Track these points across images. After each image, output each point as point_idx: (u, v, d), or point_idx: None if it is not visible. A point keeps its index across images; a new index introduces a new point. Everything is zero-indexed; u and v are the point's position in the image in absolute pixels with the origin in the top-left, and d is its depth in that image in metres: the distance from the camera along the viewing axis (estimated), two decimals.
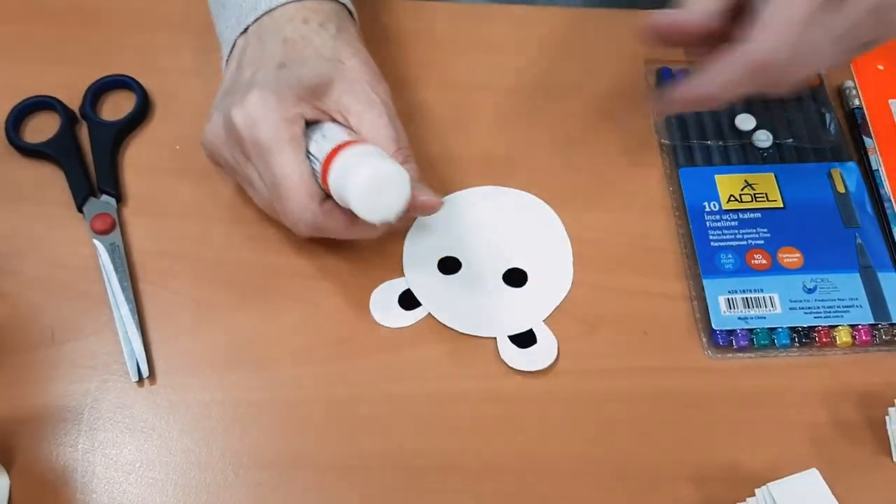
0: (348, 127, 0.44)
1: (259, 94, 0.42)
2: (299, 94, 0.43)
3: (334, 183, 0.41)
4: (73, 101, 0.52)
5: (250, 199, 0.49)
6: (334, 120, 0.44)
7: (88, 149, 0.51)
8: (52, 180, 0.50)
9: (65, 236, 0.48)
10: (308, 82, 0.43)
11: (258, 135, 0.42)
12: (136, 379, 0.44)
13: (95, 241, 0.48)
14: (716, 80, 0.40)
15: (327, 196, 0.43)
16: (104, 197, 0.49)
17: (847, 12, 0.39)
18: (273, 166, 0.42)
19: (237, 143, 0.43)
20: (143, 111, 0.52)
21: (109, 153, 0.51)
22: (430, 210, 0.44)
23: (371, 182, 0.40)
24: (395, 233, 0.48)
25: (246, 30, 0.46)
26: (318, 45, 0.45)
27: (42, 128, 0.51)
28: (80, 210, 0.49)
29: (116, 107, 0.53)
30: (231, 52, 0.47)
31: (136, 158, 0.51)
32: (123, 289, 0.46)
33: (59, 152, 0.50)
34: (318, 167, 0.42)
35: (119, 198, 0.49)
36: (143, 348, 0.45)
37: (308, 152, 0.43)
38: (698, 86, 0.41)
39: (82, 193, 0.49)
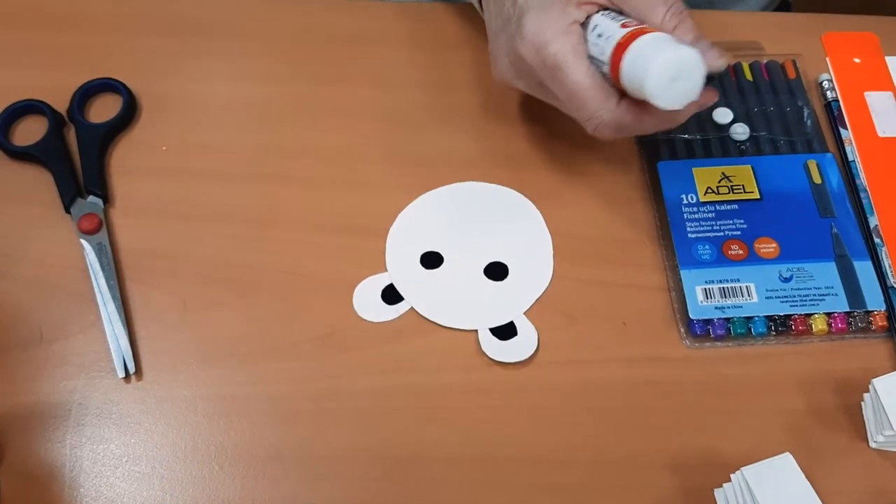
0: (615, 9, 0.44)
1: (532, 19, 0.43)
2: (563, 1, 0.43)
3: (628, 79, 0.41)
4: (61, 105, 0.53)
5: (234, 200, 0.50)
6: (602, 7, 0.44)
7: (76, 151, 0.52)
8: (39, 182, 0.51)
9: (52, 236, 0.49)
10: None
11: (544, 58, 0.42)
12: (123, 375, 0.45)
13: (83, 241, 0.48)
14: None
15: (622, 94, 0.43)
16: (91, 198, 0.50)
17: None
18: (565, 82, 0.43)
19: (528, 74, 0.45)
20: (129, 113, 0.53)
21: (97, 155, 0.51)
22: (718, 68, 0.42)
23: (665, 72, 0.39)
24: (379, 228, 0.49)
25: None
26: None
27: (30, 131, 0.52)
28: (67, 211, 0.50)
29: (103, 109, 0.53)
30: None
31: (123, 160, 0.52)
32: (110, 287, 0.47)
33: (46, 154, 0.51)
34: (605, 69, 0.42)
35: (106, 198, 0.50)
36: (129, 345, 0.45)
37: (590, 56, 0.43)
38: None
39: (70, 194, 0.50)
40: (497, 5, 0.46)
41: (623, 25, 0.42)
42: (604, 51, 0.42)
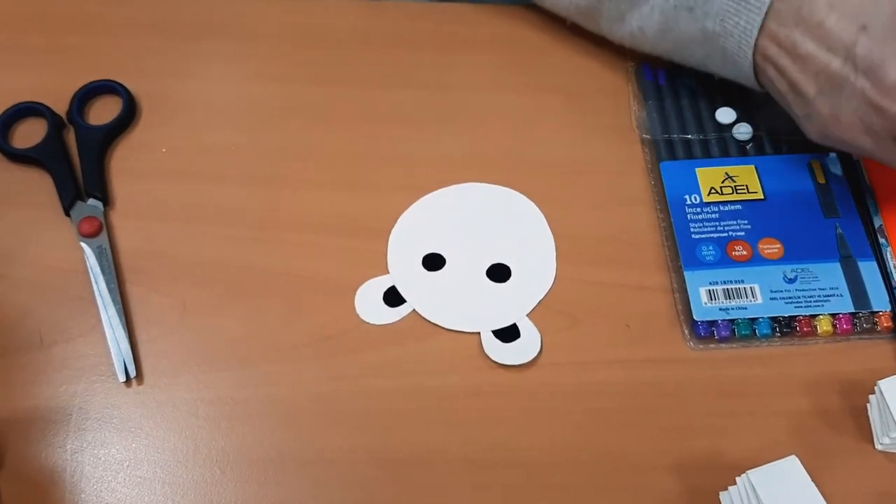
0: None
1: (890, 66, 0.41)
2: None
3: None
4: (61, 107, 0.53)
5: (235, 202, 0.50)
6: None
7: (76, 153, 0.52)
8: (39, 185, 0.50)
9: (52, 239, 0.49)
10: None
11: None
12: (124, 379, 0.44)
13: (83, 244, 0.48)
14: None
15: None
16: (91, 200, 0.50)
17: None
18: None
19: (886, 126, 0.42)
20: (129, 115, 0.53)
21: (96, 157, 0.51)
22: None
23: None
24: (380, 230, 0.49)
25: None
26: None
27: (30, 133, 0.52)
28: (67, 214, 0.49)
29: (103, 111, 0.53)
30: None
31: (123, 162, 0.52)
32: (110, 290, 0.47)
33: (46, 157, 0.51)
34: None
35: (106, 201, 0.50)
36: (130, 349, 0.45)
37: None
38: None
39: (69, 197, 0.50)
40: (808, 66, 0.44)
41: None
42: None
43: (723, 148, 0.51)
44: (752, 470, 0.39)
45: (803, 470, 0.39)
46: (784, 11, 0.44)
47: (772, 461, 0.39)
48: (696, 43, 0.48)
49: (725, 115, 0.52)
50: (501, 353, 0.45)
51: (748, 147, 0.52)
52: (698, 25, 0.47)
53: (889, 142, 0.43)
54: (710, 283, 0.46)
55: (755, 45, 0.45)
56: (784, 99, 0.47)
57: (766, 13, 0.45)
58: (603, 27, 0.52)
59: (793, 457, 0.39)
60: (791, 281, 0.47)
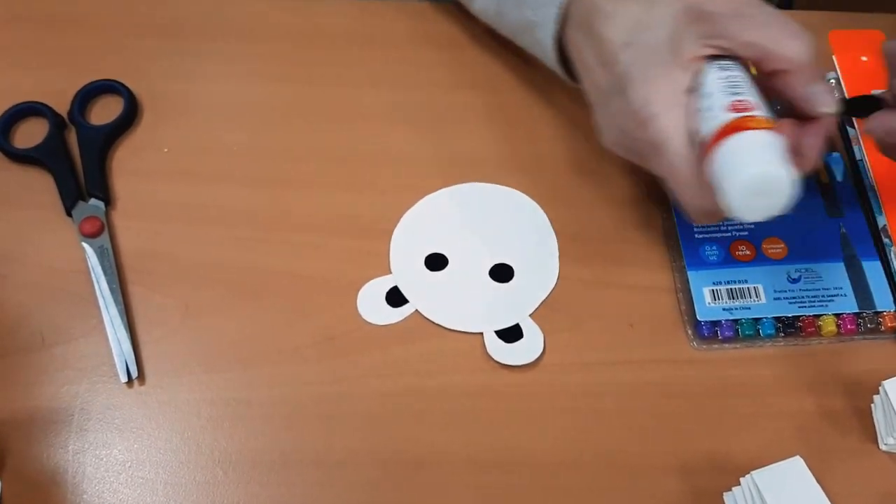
0: (731, 55, 0.39)
1: (637, 90, 0.39)
2: (668, 62, 0.39)
3: (712, 178, 0.37)
4: (62, 106, 0.52)
5: (237, 202, 0.50)
6: (720, 57, 0.39)
7: (77, 153, 0.51)
8: (41, 185, 0.50)
9: (54, 240, 0.48)
10: (667, 44, 0.39)
11: (648, 134, 0.39)
12: (126, 380, 0.44)
13: (84, 244, 0.48)
14: None
15: None
16: (93, 200, 0.50)
17: None
18: (662, 163, 0.40)
19: (634, 147, 0.42)
20: (131, 115, 0.53)
21: (98, 157, 0.51)
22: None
23: (747, 188, 0.36)
24: (383, 230, 0.49)
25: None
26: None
27: (31, 133, 0.52)
28: (69, 214, 0.49)
29: (105, 111, 0.53)
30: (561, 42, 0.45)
31: (125, 162, 0.52)
32: (112, 291, 0.47)
33: (48, 157, 0.51)
34: (699, 141, 0.39)
35: (108, 201, 0.50)
36: (131, 349, 0.45)
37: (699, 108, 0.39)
38: None
39: (71, 197, 0.49)
40: (589, 74, 0.43)
41: (732, 106, 0.38)
42: (702, 127, 0.38)
43: None
44: (757, 471, 0.39)
45: (808, 471, 0.38)
46: (576, 13, 0.43)
47: (776, 462, 0.39)
48: (523, 31, 0.47)
49: None
50: (504, 353, 0.45)
51: None
52: (521, 13, 0.47)
53: (645, 161, 0.42)
54: (714, 283, 0.46)
55: (560, 39, 0.45)
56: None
57: (566, 7, 0.44)
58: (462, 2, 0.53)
59: (797, 457, 0.39)
60: (795, 281, 0.46)
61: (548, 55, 0.47)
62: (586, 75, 0.44)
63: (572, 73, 0.46)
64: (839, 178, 0.50)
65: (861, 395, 0.44)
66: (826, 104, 0.39)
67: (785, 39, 0.39)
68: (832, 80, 0.54)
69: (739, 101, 0.38)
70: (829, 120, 0.40)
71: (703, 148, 0.38)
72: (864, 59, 0.55)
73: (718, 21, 0.39)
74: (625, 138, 0.42)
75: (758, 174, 0.36)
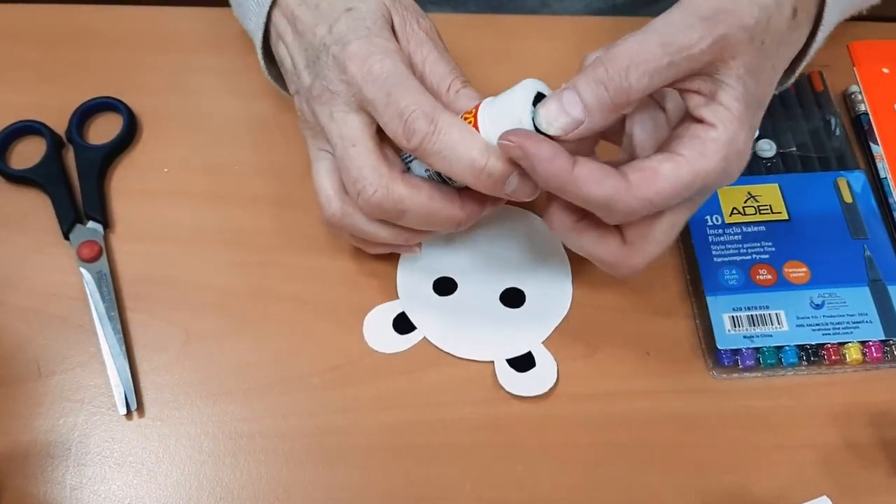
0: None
1: (358, 44, 0.38)
2: (383, 26, 0.39)
3: (492, 124, 0.37)
4: (60, 125, 0.51)
5: (241, 224, 0.48)
6: None
7: (75, 174, 0.50)
8: (38, 207, 0.49)
9: (51, 265, 0.47)
10: (382, 15, 0.40)
11: (372, 70, 0.38)
12: (125, 412, 0.43)
13: (82, 270, 0.47)
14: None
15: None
16: (91, 223, 0.48)
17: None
18: (392, 91, 0.38)
19: (353, 99, 0.39)
20: (130, 134, 0.51)
21: (96, 178, 0.49)
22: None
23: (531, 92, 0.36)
24: (389, 255, 0.47)
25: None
26: None
27: (28, 153, 0.50)
28: (66, 237, 0.48)
29: (103, 130, 0.51)
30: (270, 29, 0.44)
31: (124, 182, 0.50)
32: (111, 318, 0.45)
33: (45, 178, 0.49)
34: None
35: (106, 224, 0.48)
36: (130, 380, 0.44)
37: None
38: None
39: (69, 220, 0.48)
40: (303, 39, 0.41)
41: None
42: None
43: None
44: None
45: None
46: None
47: (800, 499, 0.38)
48: (246, 10, 0.46)
49: None
50: (516, 383, 0.43)
51: (771, 164, 0.50)
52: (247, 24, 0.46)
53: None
54: (734, 310, 0.45)
55: (269, 17, 0.43)
56: (286, 75, 0.44)
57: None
58: None
59: (824, 498, 0.37)
60: (818, 307, 0.45)
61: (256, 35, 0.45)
62: (299, 42, 0.42)
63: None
64: (862, 197, 0.48)
65: (889, 426, 0.42)
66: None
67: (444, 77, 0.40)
68: (854, 94, 0.52)
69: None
70: None
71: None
72: (885, 70, 0.54)
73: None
74: (343, 87, 0.39)
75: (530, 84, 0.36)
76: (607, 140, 0.40)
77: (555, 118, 0.35)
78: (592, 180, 0.35)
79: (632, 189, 0.35)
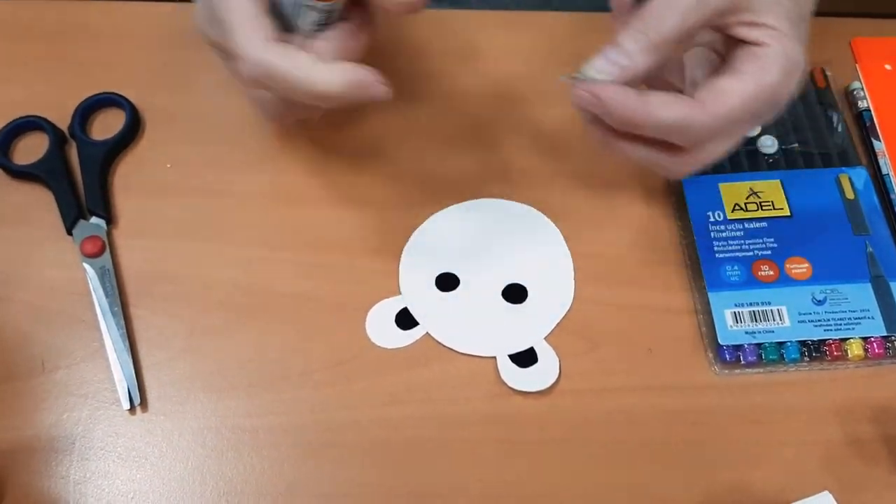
0: None
1: None
2: None
3: None
4: (62, 121, 0.51)
5: (243, 220, 0.48)
6: None
7: (78, 169, 0.50)
8: (40, 202, 0.49)
9: (54, 260, 0.47)
10: None
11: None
12: (128, 407, 0.43)
13: (85, 265, 0.47)
14: (641, 113, 0.37)
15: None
16: (94, 219, 0.48)
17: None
18: (221, 10, 0.38)
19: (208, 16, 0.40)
20: (133, 129, 0.51)
21: (99, 173, 0.49)
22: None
23: None
24: (392, 250, 0.47)
25: None
26: None
27: (31, 148, 0.50)
28: (69, 233, 0.48)
29: (106, 125, 0.51)
30: None
31: (127, 178, 0.50)
32: (114, 314, 0.45)
33: (47, 174, 0.49)
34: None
35: (109, 219, 0.48)
36: (134, 375, 0.44)
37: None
38: (623, 105, 0.37)
39: (72, 216, 0.48)
40: None
41: None
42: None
43: (747, 161, 0.49)
44: None
45: None
46: None
47: (801, 494, 0.38)
48: None
49: None
50: (518, 378, 0.44)
51: (773, 160, 0.50)
52: None
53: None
54: (736, 305, 0.45)
55: None
56: None
57: None
58: None
59: (826, 493, 0.37)
60: (820, 303, 0.45)
61: None
62: None
63: None
64: (865, 193, 0.48)
65: (891, 422, 0.42)
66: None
67: None
68: (856, 90, 0.52)
69: None
70: None
71: None
72: (887, 67, 0.54)
73: None
74: (207, 14, 0.40)
75: None
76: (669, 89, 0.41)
77: (604, 67, 0.37)
78: (665, 106, 0.37)
79: (705, 108, 0.37)
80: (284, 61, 0.37)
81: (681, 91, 0.41)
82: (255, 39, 0.37)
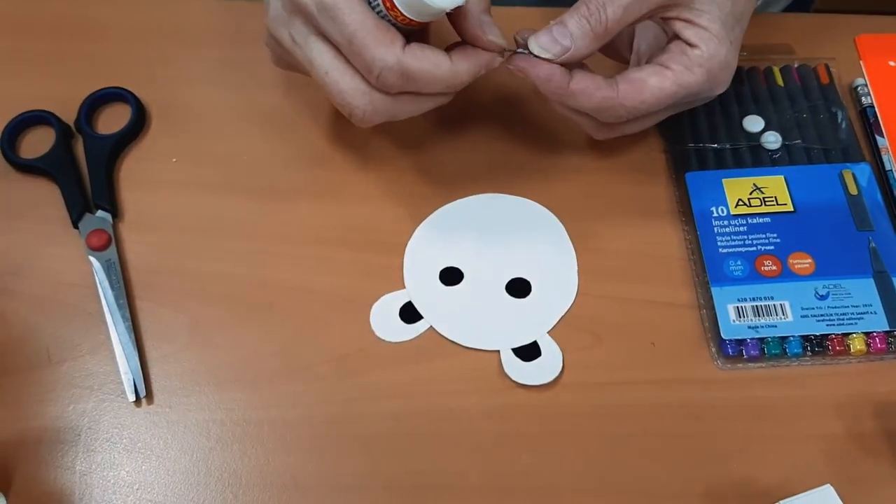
0: None
1: None
2: None
3: None
4: (69, 115, 0.51)
5: (249, 214, 0.49)
6: None
7: (84, 163, 0.50)
8: (47, 196, 0.49)
9: (60, 253, 0.47)
10: None
11: None
12: (133, 399, 0.43)
13: (91, 258, 0.47)
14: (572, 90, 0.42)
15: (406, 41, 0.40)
16: (100, 212, 0.49)
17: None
18: (345, 21, 0.38)
19: (299, 15, 0.40)
20: (139, 124, 0.51)
21: (105, 167, 0.50)
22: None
23: None
24: (396, 244, 0.47)
25: None
26: None
27: (37, 143, 0.51)
28: (75, 226, 0.48)
29: (112, 120, 0.52)
30: None
31: (133, 172, 0.50)
32: (119, 307, 0.45)
33: (54, 167, 0.50)
34: (380, 9, 0.39)
35: (115, 213, 0.49)
36: (139, 367, 0.44)
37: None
38: (551, 79, 0.42)
39: (78, 209, 0.48)
40: None
41: None
42: None
43: (750, 157, 0.50)
44: (786, 500, 0.37)
45: (839, 500, 0.37)
46: None
47: (803, 488, 0.38)
48: None
49: (753, 122, 0.50)
50: (522, 372, 0.44)
51: (777, 156, 0.50)
52: None
53: (307, 40, 0.41)
54: (739, 300, 0.45)
55: None
56: None
57: None
58: None
59: (828, 486, 0.37)
60: (823, 298, 0.45)
61: None
62: None
63: None
64: (868, 189, 0.48)
65: (893, 417, 0.42)
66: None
67: None
68: (860, 87, 0.53)
69: None
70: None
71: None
72: (892, 63, 0.54)
73: None
74: (295, 6, 0.40)
75: None
76: (614, 59, 0.48)
77: (547, 46, 0.41)
78: (586, 94, 0.42)
79: (619, 99, 0.42)
80: (423, 63, 0.39)
81: (627, 60, 0.47)
82: (391, 47, 0.39)
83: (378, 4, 0.39)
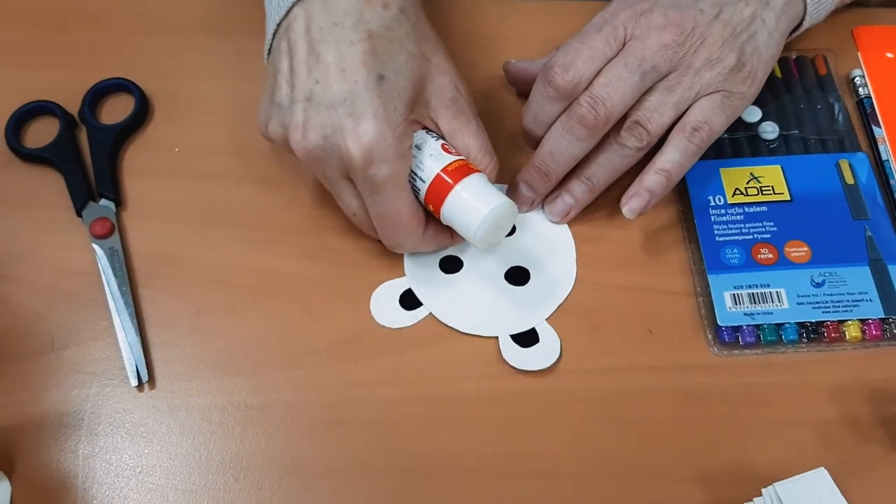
0: (438, 133, 0.44)
1: (375, 126, 0.39)
2: (406, 117, 0.41)
3: (449, 219, 0.42)
4: (72, 105, 0.52)
5: (250, 203, 0.49)
6: (425, 127, 0.44)
7: (87, 153, 0.51)
8: (51, 185, 0.50)
9: (64, 241, 0.48)
10: (410, 99, 0.41)
11: (375, 173, 0.40)
12: (136, 384, 0.44)
13: (94, 246, 0.47)
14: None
15: (427, 216, 0.44)
16: (103, 201, 0.49)
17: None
18: (386, 204, 0.42)
19: (343, 168, 0.41)
20: (142, 114, 0.52)
21: (108, 157, 0.50)
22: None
23: (490, 223, 0.41)
24: None
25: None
26: (404, 39, 0.41)
27: (41, 132, 0.51)
28: (79, 214, 0.49)
29: (115, 110, 0.52)
30: (283, 19, 0.42)
31: (136, 162, 0.51)
32: (122, 293, 0.46)
33: (58, 157, 0.50)
34: (418, 184, 0.43)
35: (118, 202, 0.49)
36: (142, 353, 0.44)
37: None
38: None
39: (81, 198, 0.49)
40: (307, 45, 0.41)
41: (443, 147, 0.43)
42: (421, 166, 0.42)
43: (748, 147, 0.50)
44: (780, 482, 0.38)
45: (833, 483, 0.37)
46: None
47: (799, 472, 0.39)
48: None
49: (751, 113, 0.51)
50: (520, 358, 0.44)
51: (774, 146, 0.50)
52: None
53: (337, 179, 0.43)
54: (735, 288, 0.45)
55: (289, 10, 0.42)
56: (275, 80, 0.43)
57: None
58: None
59: (822, 469, 0.38)
60: (818, 285, 0.45)
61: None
62: (301, 42, 0.41)
63: None
64: (864, 178, 0.49)
65: (887, 402, 0.43)
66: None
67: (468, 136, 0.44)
68: (857, 78, 0.53)
69: (448, 144, 0.43)
70: None
71: (431, 191, 0.42)
72: (889, 55, 0.54)
73: (424, 101, 0.43)
74: (338, 155, 0.41)
75: (495, 210, 0.41)
76: None
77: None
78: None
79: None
80: (432, 245, 0.45)
81: None
82: (413, 236, 0.44)
83: (419, 192, 0.43)
